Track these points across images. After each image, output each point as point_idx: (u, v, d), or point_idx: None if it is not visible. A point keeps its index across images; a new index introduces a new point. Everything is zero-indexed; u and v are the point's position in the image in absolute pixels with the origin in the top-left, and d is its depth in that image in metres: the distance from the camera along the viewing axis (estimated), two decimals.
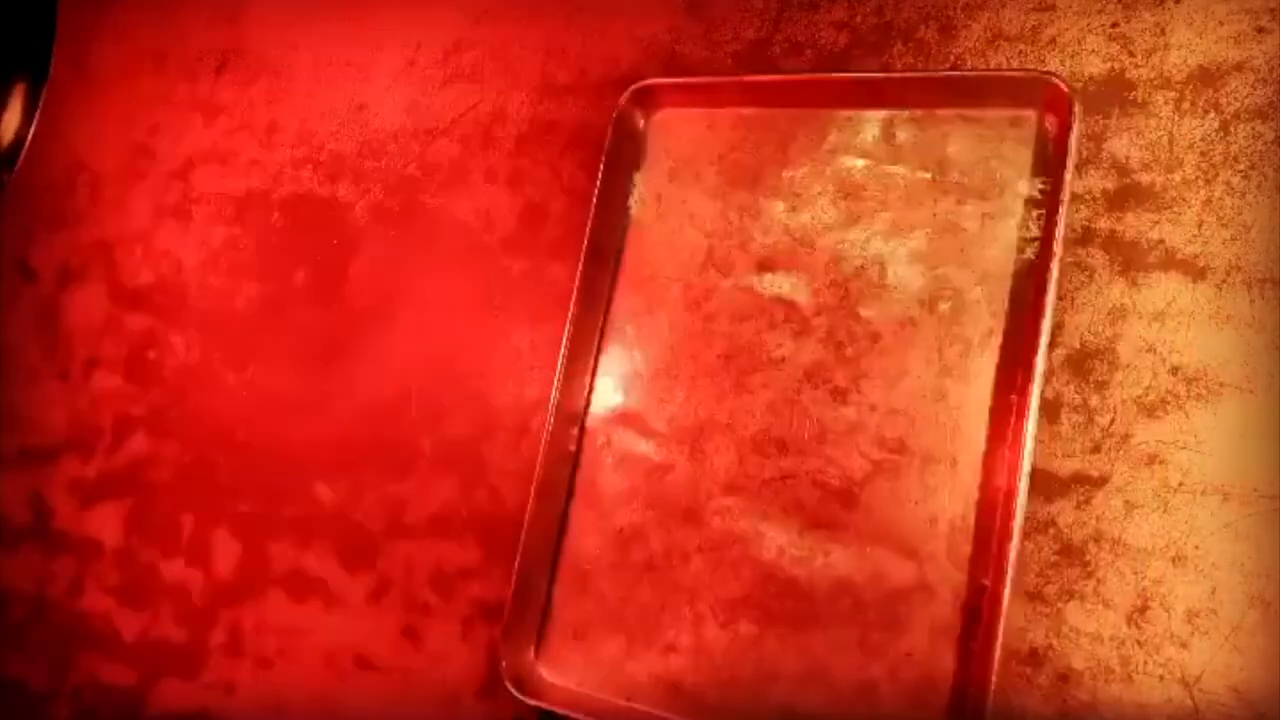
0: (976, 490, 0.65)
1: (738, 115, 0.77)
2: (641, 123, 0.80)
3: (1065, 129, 0.65)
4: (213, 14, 1.04)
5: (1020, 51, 0.70)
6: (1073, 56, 0.69)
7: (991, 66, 0.71)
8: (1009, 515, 0.61)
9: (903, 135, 0.71)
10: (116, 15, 1.10)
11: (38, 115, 1.11)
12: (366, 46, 0.97)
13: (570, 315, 0.76)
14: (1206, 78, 0.64)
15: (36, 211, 1.08)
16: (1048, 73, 0.66)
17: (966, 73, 0.70)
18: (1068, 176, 0.64)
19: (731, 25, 0.80)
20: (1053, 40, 0.70)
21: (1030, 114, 0.68)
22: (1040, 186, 0.66)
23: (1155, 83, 0.66)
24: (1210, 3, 0.65)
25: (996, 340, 0.66)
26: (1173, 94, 0.65)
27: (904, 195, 0.71)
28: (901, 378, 0.68)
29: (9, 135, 1.12)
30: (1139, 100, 0.66)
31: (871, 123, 0.73)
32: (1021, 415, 0.62)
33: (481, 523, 0.78)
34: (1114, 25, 0.68)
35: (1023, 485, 0.61)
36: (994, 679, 0.59)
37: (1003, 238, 0.67)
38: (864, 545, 0.66)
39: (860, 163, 0.72)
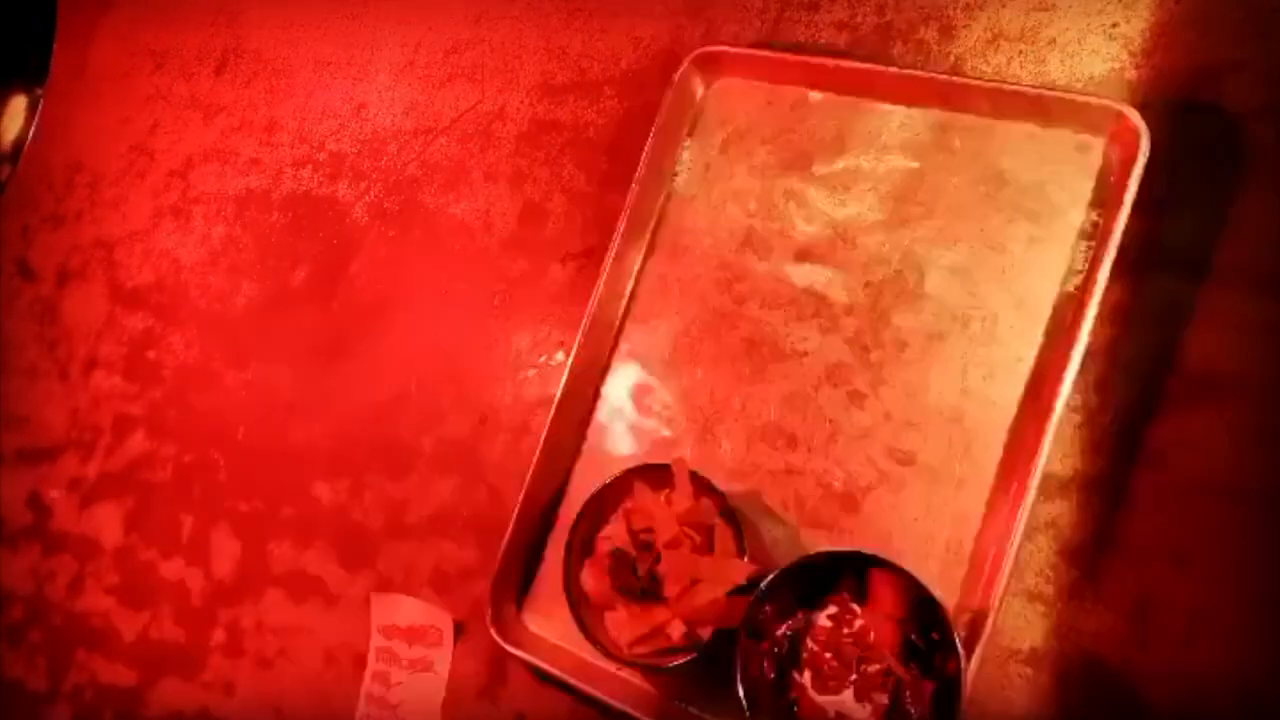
0: (979, 521, 0.63)
1: (799, 95, 0.75)
2: (700, 90, 0.78)
3: (1129, 163, 0.62)
4: (213, 14, 1.04)
5: (1020, 51, 0.70)
6: (1072, 56, 0.69)
7: (1047, 82, 0.68)
8: (1000, 555, 0.60)
9: (960, 142, 0.70)
10: (116, 15, 1.10)
11: (38, 115, 1.11)
12: (366, 46, 0.97)
13: (602, 276, 0.74)
14: (1206, 78, 0.64)
15: (36, 211, 1.08)
16: (1119, 103, 0.63)
17: (1040, 90, 0.67)
18: (1123, 215, 0.61)
19: (732, 26, 0.80)
20: (1052, 40, 0.70)
21: (1098, 142, 0.65)
22: (1095, 219, 0.64)
23: (1155, 83, 0.66)
24: (1210, 2, 0.65)
25: (1025, 368, 0.64)
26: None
27: (953, 205, 0.69)
28: (922, 391, 0.67)
29: (9, 136, 1.12)
30: (1139, 101, 0.65)
31: (931, 125, 0.71)
32: (1033, 455, 0.60)
33: (481, 523, 0.78)
34: (1114, 25, 0.68)
35: (1020, 520, 0.60)
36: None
37: (1047, 265, 0.65)
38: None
39: (915, 164, 0.71)
